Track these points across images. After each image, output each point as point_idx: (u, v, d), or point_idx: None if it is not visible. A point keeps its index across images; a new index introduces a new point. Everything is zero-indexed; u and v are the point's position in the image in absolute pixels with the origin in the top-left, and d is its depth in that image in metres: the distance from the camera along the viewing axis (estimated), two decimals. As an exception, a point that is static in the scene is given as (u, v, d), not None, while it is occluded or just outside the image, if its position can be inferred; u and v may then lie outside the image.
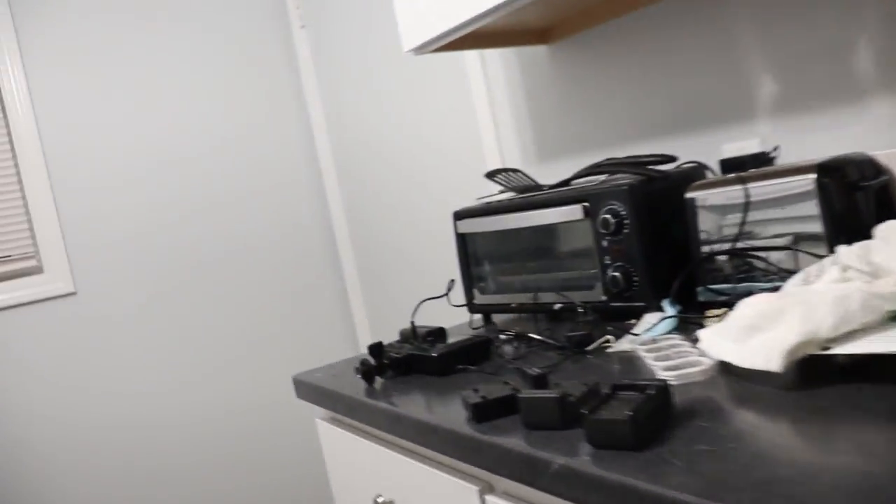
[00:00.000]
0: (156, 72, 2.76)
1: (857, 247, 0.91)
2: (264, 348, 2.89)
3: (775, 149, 1.32)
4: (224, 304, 2.82)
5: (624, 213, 1.25)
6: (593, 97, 1.75)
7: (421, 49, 1.63)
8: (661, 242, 1.27)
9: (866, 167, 1.15)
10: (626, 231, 1.26)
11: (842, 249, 0.91)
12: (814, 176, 1.07)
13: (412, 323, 1.30)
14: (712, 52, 1.48)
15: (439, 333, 1.25)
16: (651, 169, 1.33)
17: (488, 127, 2.07)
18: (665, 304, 1.21)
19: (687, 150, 1.54)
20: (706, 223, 1.21)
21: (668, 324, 1.16)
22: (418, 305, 1.46)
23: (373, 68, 2.58)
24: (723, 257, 1.18)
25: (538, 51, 1.86)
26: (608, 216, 1.26)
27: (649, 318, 1.21)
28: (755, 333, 0.87)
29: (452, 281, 1.45)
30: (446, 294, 1.49)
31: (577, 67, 1.77)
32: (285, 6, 3.02)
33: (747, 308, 0.91)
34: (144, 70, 2.74)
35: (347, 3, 2.64)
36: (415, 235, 2.53)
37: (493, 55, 2.03)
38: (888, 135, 1.23)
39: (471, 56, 2.09)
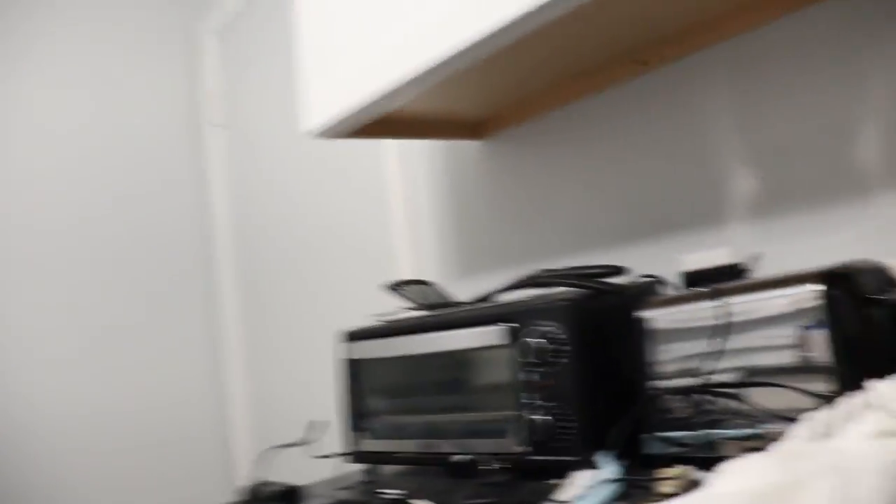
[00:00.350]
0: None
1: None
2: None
3: (755, 258, 1.02)
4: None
5: (563, 337, 0.93)
6: (532, 201, 1.46)
7: (325, 133, 1.34)
8: (607, 377, 0.95)
9: (880, 278, 0.86)
10: (563, 361, 0.93)
11: (880, 387, 0.60)
12: (821, 287, 0.78)
13: (254, 480, 0.93)
14: (673, 144, 1.22)
15: (288, 496, 0.89)
16: (599, 282, 1.02)
17: (402, 233, 1.77)
18: (603, 458, 0.87)
19: (643, 262, 1.24)
20: (663, 351, 0.90)
21: (607, 489, 0.82)
22: (261, 455, 1.09)
23: (279, 162, 2.33)
24: (679, 395, 0.86)
25: (469, 146, 1.59)
26: (541, 341, 0.94)
27: (580, 479, 0.87)
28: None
29: (313, 425, 1.09)
30: (302, 443, 1.12)
31: (514, 166, 1.50)
32: (196, 103, 2.76)
33: (740, 476, 0.58)
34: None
35: (260, 98, 2.39)
36: (310, 357, 2.17)
37: (414, 149, 1.75)
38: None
39: (388, 150, 1.81)
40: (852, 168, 1.00)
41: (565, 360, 0.92)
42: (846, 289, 0.78)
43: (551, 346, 0.93)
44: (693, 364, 0.86)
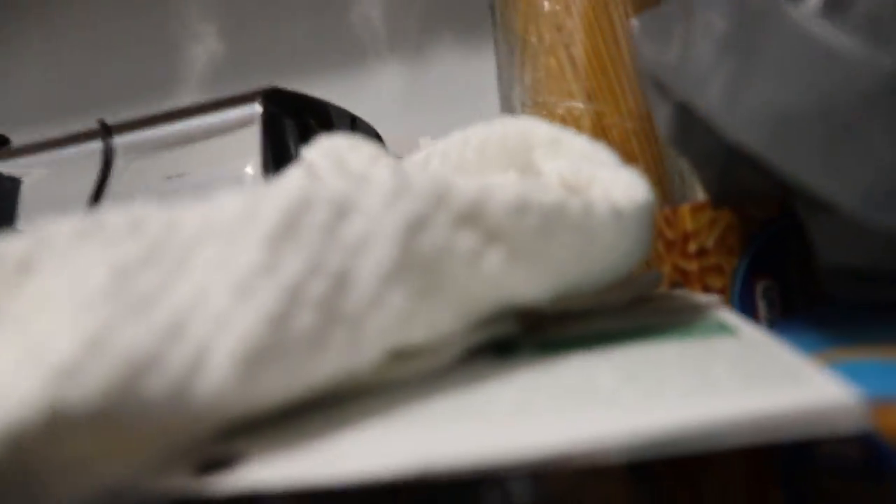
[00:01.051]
0: None
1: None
2: None
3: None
4: None
5: None
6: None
7: None
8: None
9: (367, 130, 0.63)
10: None
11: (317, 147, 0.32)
12: (257, 108, 0.52)
13: None
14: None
15: None
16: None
17: None
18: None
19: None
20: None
21: None
22: None
23: None
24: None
25: None
26: None
27: None
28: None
29: None
30: None
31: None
32: None
33: None
34: None
35: None
36: None
37: None
38: (400, 115, 0.75)
39: None
40: (350, 35, 0.80)
41: None
42: (297, 116, 0.53)
43: None
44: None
